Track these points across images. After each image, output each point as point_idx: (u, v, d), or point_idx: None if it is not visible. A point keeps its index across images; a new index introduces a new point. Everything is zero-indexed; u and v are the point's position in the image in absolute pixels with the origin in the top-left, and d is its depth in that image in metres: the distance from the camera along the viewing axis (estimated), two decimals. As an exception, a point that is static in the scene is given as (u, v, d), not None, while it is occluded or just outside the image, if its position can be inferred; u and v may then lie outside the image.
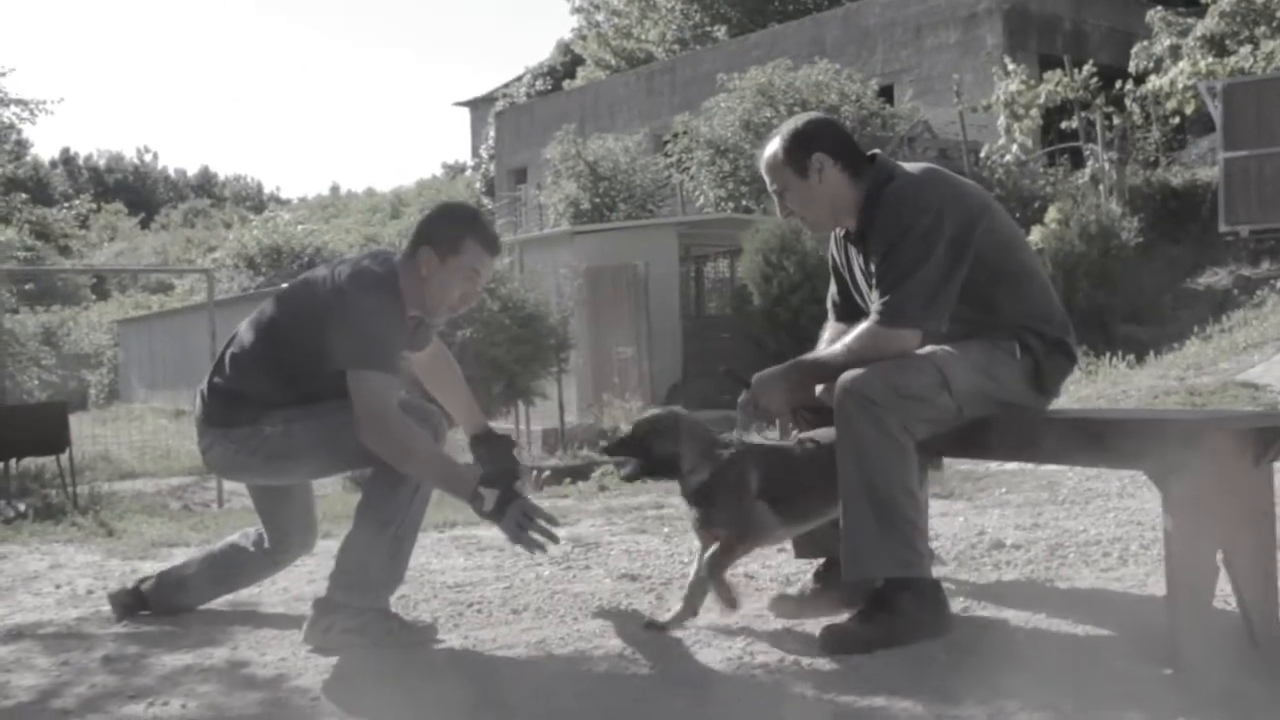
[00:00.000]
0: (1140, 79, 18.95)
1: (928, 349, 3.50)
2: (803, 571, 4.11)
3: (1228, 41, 18.59)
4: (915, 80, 25.47)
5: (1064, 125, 18.80)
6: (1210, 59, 18.04)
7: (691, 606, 3.67)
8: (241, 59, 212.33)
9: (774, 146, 3.68)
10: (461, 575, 4.78)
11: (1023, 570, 4.34)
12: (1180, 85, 17.88)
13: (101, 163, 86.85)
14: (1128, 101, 18.50)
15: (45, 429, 10.98)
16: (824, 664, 3.27)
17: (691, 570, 3.77)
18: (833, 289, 4.00)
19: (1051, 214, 15.13)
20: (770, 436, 3.98)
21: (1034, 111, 18.55)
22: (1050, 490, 6.03)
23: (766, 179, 3.74)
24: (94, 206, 51.39)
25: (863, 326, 3.55)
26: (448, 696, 3.11)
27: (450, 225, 3.78)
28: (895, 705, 2.92)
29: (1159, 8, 20.85)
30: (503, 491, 3.54)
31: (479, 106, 49.81)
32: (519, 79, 48.56)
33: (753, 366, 3.91)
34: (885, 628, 3.36)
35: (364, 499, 3.72)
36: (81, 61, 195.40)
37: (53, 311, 37.50)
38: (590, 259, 18.12)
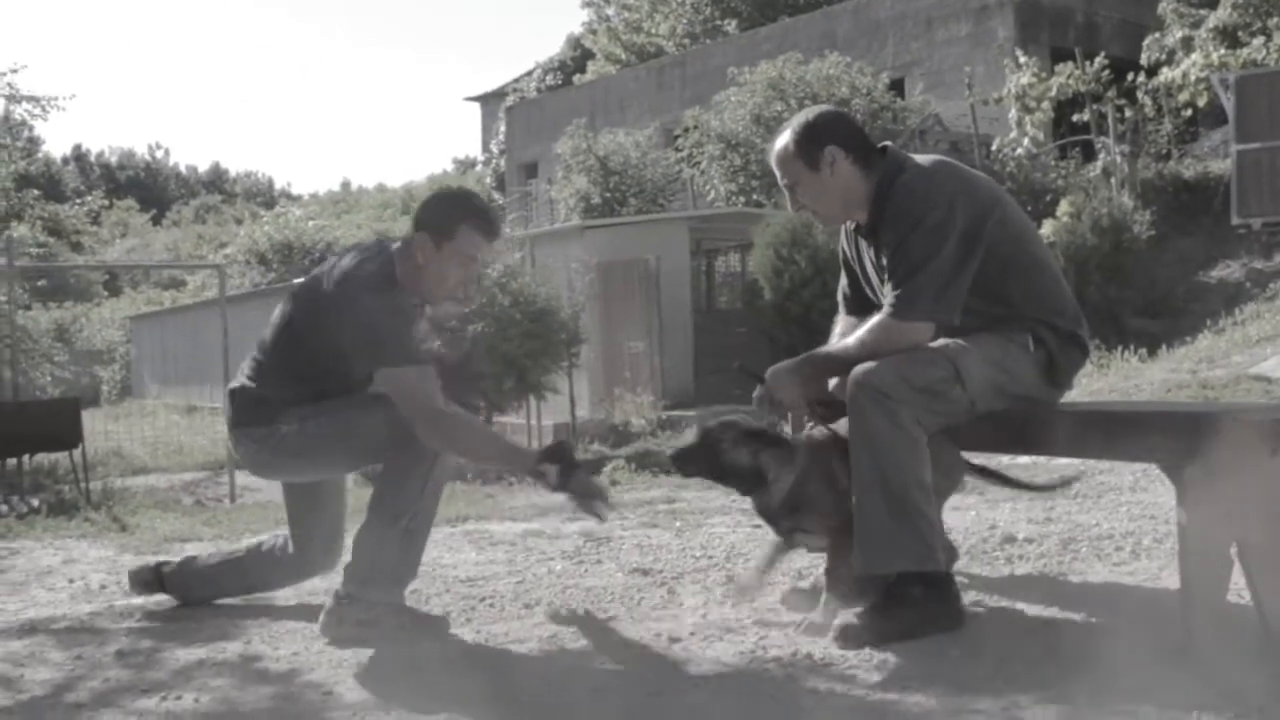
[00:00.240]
0: (1152, 71, 18.87)
1: (940, 342, 3.49)
2: (815, 565, 4.10)
3: (1240, 33, 18.50)
4: (926, 73, 25.41)
5: (1076, 118, 18.72)
6: (1223, 51, 17.96)
7: (822, 625, 3.51)
8: (252, 55, 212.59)
9: (785, 140, 3.67)
10: (474, 569, 4.79)
11: (1035, 564, 4.34)
12: (1192, 77, 17.81)
13: (113, 159, 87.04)
14: (1140, 94, 18.42)
15: (58, 425, 11.01)
16: (837, 657, 3.27)
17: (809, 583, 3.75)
18: (843, 282, 3.99)
19: (1063, 207, 15.08)
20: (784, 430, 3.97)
21: (1045, 104, 18.49)
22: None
23: (777, 173, 3.73)
24: (106, 203, 51.49)
25: (875, 319, 3.54)
26: (460, 690, 3.11)
27: (445, 211, 3.78)
28: (908, 699, 2.92)
29: (1171, -1, 20.78)
30: (563, 466, 3.63)
31: (489, 101, 49.81)
32: (529, 74, 48.55)
33: (764, 361, 3.90)
34: (898, 621, 3.36)
35: (375, 493, 3.73)
36: (93, 58, 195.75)
37: (65, 308, 37.58)
38: (601, 253, 18.11)
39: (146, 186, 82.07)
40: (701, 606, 3.92)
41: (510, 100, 43.69)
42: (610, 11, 44.69)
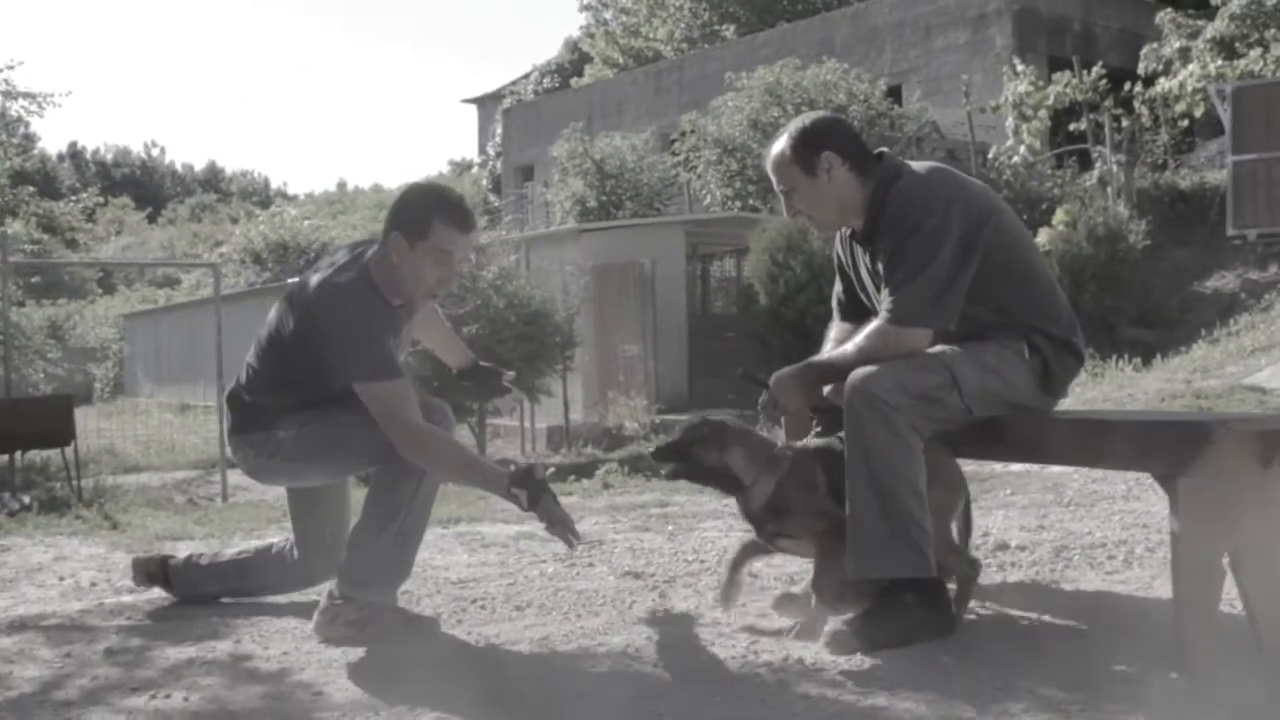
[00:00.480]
0: (1149, 81, 18.91)
1: (937, 349, 3.49)
2: (807, 570, 4.10)
3: (1237, 44, 18.55)
4: (923, 80, 25.45)
5: (1072, 127, 18.76)
6: (1220, 61, 18.00)
7: (814, 629, 3.54)
8: (249, 54, 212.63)
9: (781, 145, 3.67)
10: (465, 571, 4.78)
11: (1027, 572, 4.34)
12: (1189, 88, 17.84)
13: (109, 156, 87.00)
14: (1136, 104, 18.46)
15: (50, 422, 10.99)
16: (828, 663, 3.27)
17: (799, 589, 3.74)
18: (838, 287, 4.00)
19: (1059, 216, 15.09)
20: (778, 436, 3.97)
21: (1042, 113, 18.51)
22: (1056, 492, 6.02)
23: (773, 178, 3.73)
24: (101, 200, 51.43)
25: (873, 325, 3.54)
26: (451, 692, 3.10)
27: (417, 208, 3.74)
28: (898, 705, 2.91)
29: (1169, 10, 20.80)
30: (530, 491, 3.58)
31: (486, 104, 49.83)
32: (526, 76, 48.57)
33: (758, 366, 3.91)
34: (889, 628, 3.36)
35: (369, 494, 3.73)
36: (89, 55, 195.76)
37: (59, 305, 37.49)
38: (596, 257, 18.11)
39: (142, 184, 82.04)
40: (693, 610, 3.91)
41: (507, 103, 43.72)
42: (608, 15, 44.74)
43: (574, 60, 45.75)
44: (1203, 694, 2.87)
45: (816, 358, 3.73)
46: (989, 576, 4.27)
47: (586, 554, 5.06)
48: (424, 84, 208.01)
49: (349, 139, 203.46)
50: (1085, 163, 18.45)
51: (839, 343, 3.77)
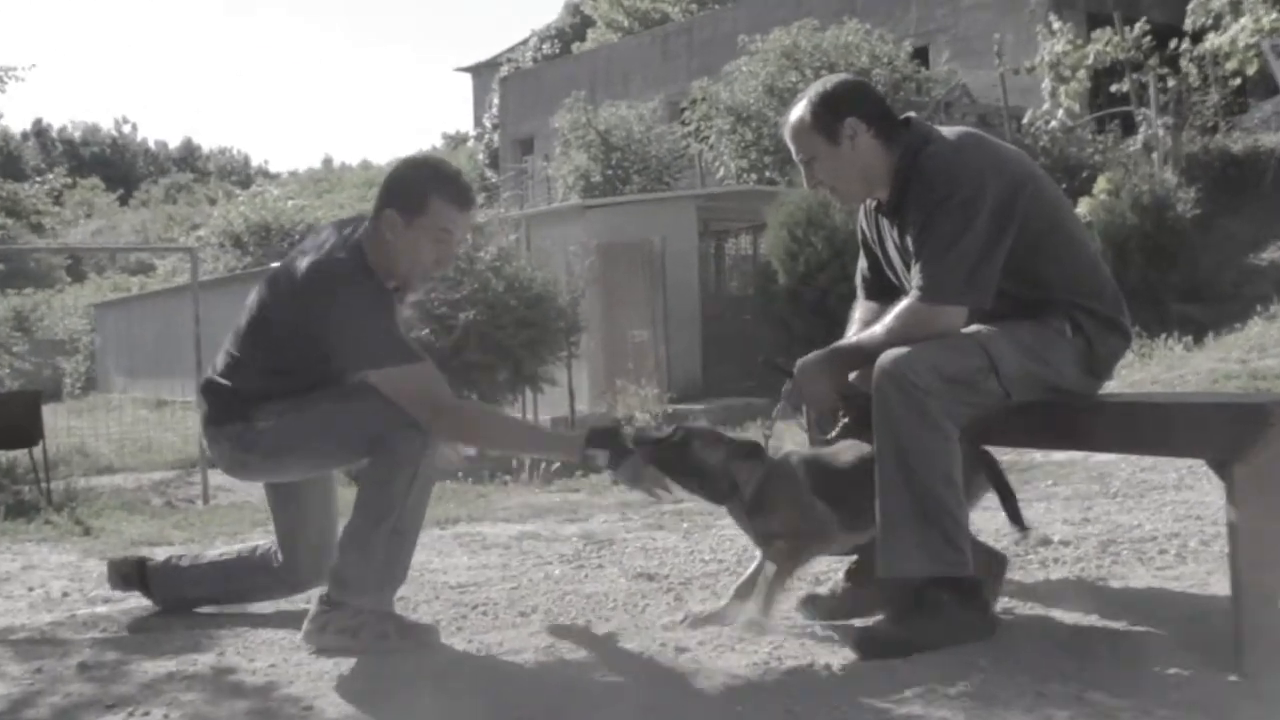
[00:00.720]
0: (1197, 37, 18.80)
1: (972, 328, 3.48)
2: (833, 569, 4.09)
3: (1293, -5, 18.45)
4: (952, 41, 25.35)
5: (1114, 88, 18.66)
6: (1274, 15, 17.89)
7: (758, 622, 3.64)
8: (226, 22, 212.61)
9: (801, 111, 3.66)
10: (465, 575, 4.78)
11: (1072, 568, 4.33)
12: (1241, 44, 17.74)
13: (77, 135, 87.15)
14: (1184, 62, 18.36)
15: (17, 420, 11.00)
16: (856, 669, 3.26)
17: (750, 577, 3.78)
18: (862, 264, 3.99)
19: (1101, 184, 15.04)
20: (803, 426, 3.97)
21: (1081, 74, 18.43)
22: (1101, 482, 6.01)
23: (792, 147, 3.72)
24: (69, 181, 51.40)
25: (902, 304, 3.53)
26: (450, 705, 3.10)
27: (412, 183, 3.76)
28: (933, 714, 2.91)
29: (1218, -41, 20.71)
30: (614, 452, 3.66)
31: (482, 72, 49.80)
32: (524, 42, 48.52)
33: (778, 350, 3.91)
34: (923, 630, 3.35)
35: (359, 492, 3.73)
36: (55, 27, 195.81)
37: (25, 294, 37.60)
38: (602, 235, 18.10)
39: (112, 164, 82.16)
40: (712, 613, 3.90)
41: (504, 71, 43.66)
42: (611, -26, 44.63)
43: (575, 24, 45.68)
44: (1264, 698, 2.86)
45: (842, 341, 3.72)
46: (1030, 574, 4.26)
47: (595, 555, 5.06)
48: (415, 52, 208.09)
49: (335, 112, 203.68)
50: (1129, 127, 18.37)
51: (865, 324, 3.77)
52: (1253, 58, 17.62)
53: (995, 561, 3.67)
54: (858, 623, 3.55)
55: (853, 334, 3.79)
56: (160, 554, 5.31)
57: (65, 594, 4.75)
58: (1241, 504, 3.04)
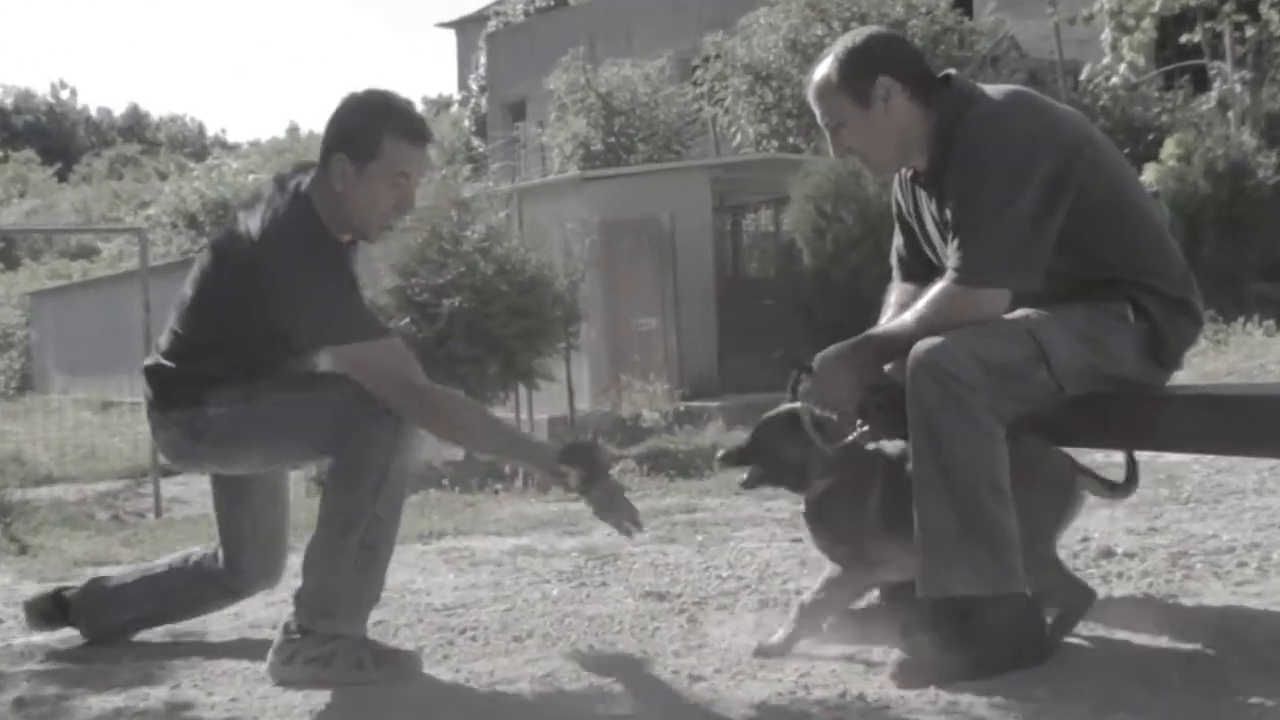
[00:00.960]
0: (1280, -20, 18.78)
1: (1019, 312, 3.48)
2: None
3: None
4: (1000, -14, 25.33)
5: (1184, 39, 18.64)
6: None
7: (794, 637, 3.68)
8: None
9: (826, 70, 3.66)
10: (452, 596, 4.79)
11: (1138, 584, 4.33)
12: (1332, -15, 17.71)
13: (8, 101, 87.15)
14: (1264, 8, 18.32)
15: (-55, 425, 11.03)
16: (894, 699, 3.26)
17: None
18: (898, 241, 3.99)
19: (1169, 148, 15.03)
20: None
21: (1147, 22, 18.38)
22: (1171, 486, 6.00)
23: (817, 110, 3.72)
24: (0, 155, 51.58)
25: (938, 287, 3.53)
26: (435, 743, 3.11)
27: (361, 123, 3.76)
28: (983, 749, 2.91)
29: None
30: (590, 470, 3.69)
31: (467, 28, 49.75)
32: (515, -8, 48.52)
33: (802, 339, 3.92)
34: (968, 655, 3.35)
35: (324, 500, 3.74)
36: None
37: (-48, 283, 37.70)
38: (604, 211, 18.10)
39: (49, 134, 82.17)
40: (729, 637, 3.91)
41: (492, 26, 43.64)
42: (612, -85, 44.61)
43: (572, -29, 45.69)
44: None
45: (872, 331, 3.72)
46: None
47: (598, 572, 5.07)
48: (391, 6, 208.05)
49: (301, 74, 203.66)
50: (1201, 83, 18.36)
51: (901, 308, 3.77)
52: (1345, 2, 17.58)
53: (1081, 597, 3.63)
54: (895, 647, 3.55)
55: (884, 321, 3.79)
56: (107, 574, 5.33)
57: None
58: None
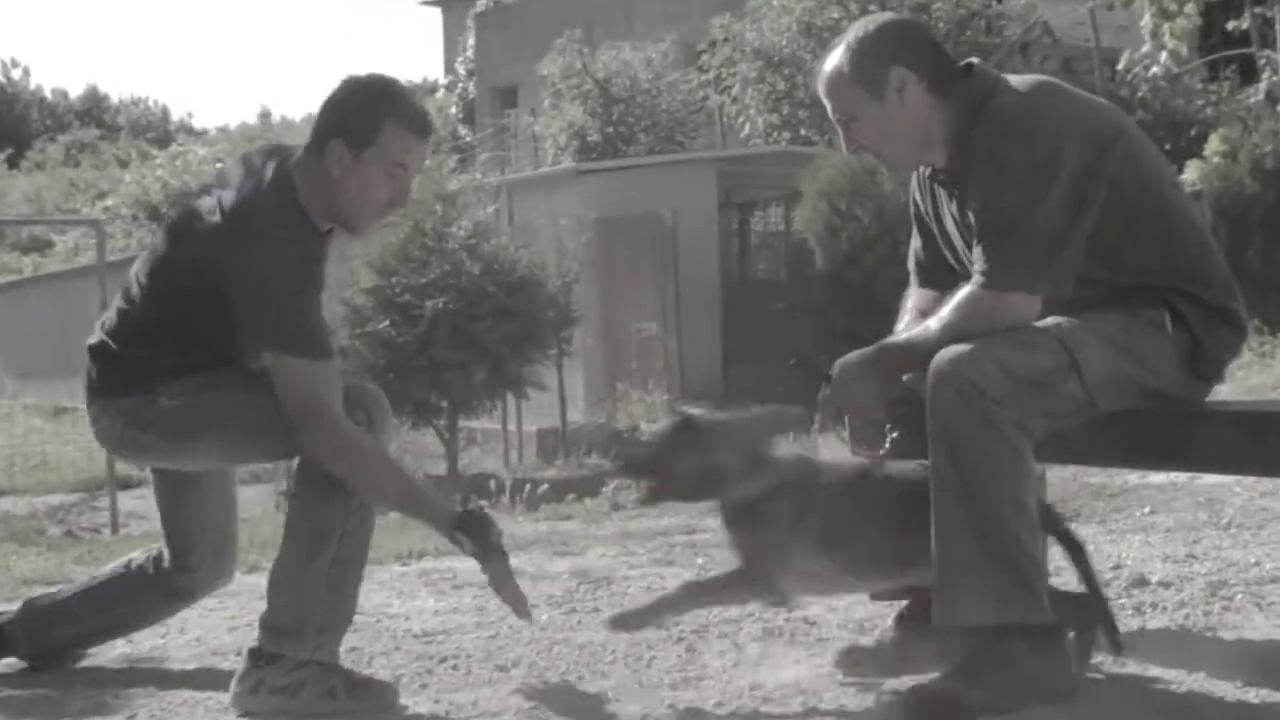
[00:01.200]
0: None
1: (1049, 321, 3.48)
2: (881, 615, 4.10)
3: None
4: (1031, -32, 25.36)
5: (1231, 25, 18.64)
6: None
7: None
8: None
9: (837, 60, 3.67)
10: (432, 621, 4.79)
11: (1174, 615, 4.33)
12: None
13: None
14: (1317, -8, 18.36)
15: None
16: (909, 737, 3.27)
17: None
18: (916, 244, 3.99)
19: (1214, 144, 15.04)
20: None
21: (1190, 7, 18.41)
22: (1211, 510, 6.01)
23: (828, 103, 3.73)
24: (-54, 140, 51.55)
25: (963, 292, 3.54)
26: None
27: (363, 108, 3.78)
28: (1004, 792, 2.92)
29: None
30: (479, 544, 3.80)
31: (454, 7, 49.78)
32: (506, -31, 48.56)
33: (815, 348, 3.92)
34: (990, 689, 3.35)
35: (290, 514, 3.75)
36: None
37: (-109, 279, 37.70)
38: (601, 206, 18.13)
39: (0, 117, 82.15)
40: (730, 669, 3.92)
41: (481, 5, 43.68)
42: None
43: (568, -53, 45.72)
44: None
45: (891, 338, 3.72)
46: (1123, 621, 4.26)
47: (590, 596, 5.07)
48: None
49: (273, 55, 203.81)
50: (1249, 73, 18.36)
51: (919, 314, 3.77)
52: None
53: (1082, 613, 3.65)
54: (909, 680, 3.55)
55: (903, 328, 3.80)
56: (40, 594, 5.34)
57: (-59, 645, 4.76)
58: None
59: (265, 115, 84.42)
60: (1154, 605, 4.46)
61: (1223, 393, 3.92)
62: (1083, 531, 5.56)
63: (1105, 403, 3.48)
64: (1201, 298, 3.56)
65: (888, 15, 3.84)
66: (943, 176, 3.72)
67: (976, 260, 3.51)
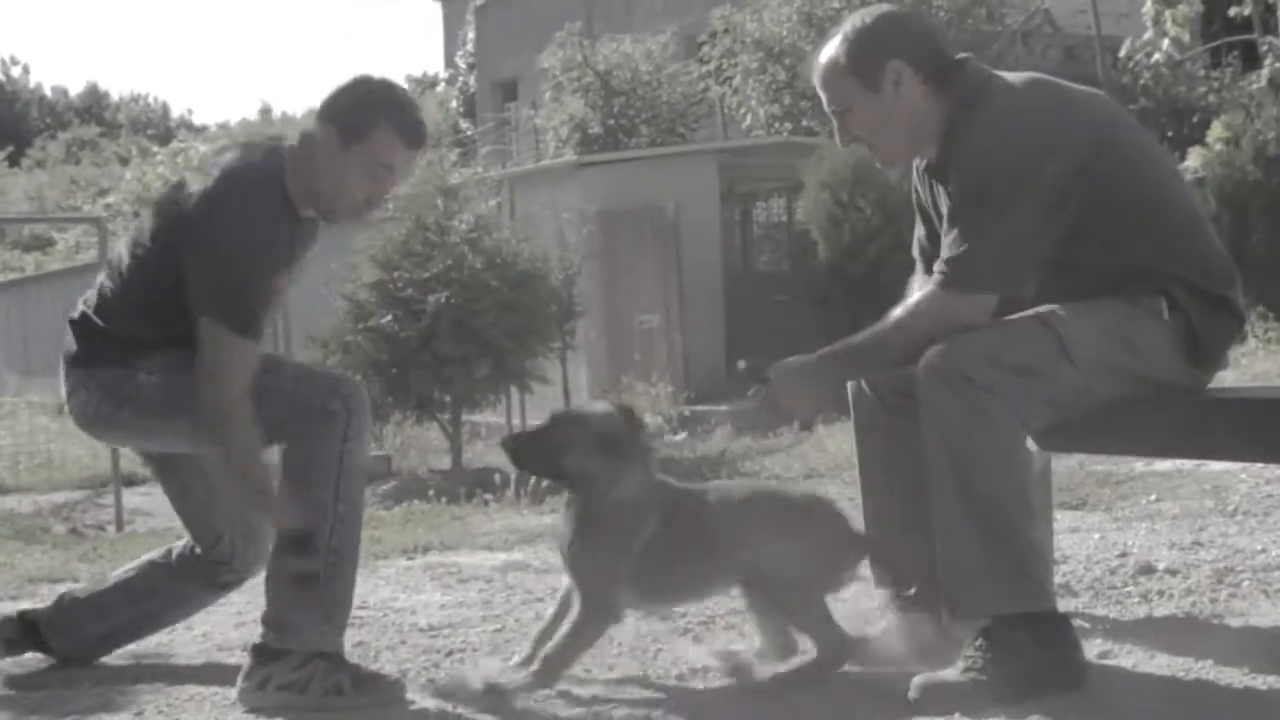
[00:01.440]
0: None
1: (1041, 309, 3.48)
2: (887, 606, 4.10)
3: None
4: (1032, -45, 25.31)
5: (1233, 11, 18.62)
6: None
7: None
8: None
9: (833, 52, 3.67)
10: (438, 615, 4.79)
11: (1181, 602, 4.33)
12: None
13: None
14: (1320, -22, 18.33)
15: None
16: (916, 728, 3.27)
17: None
18: (920, 232, 3.99)
19: (1216, 131, 15.02)
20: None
21: (1192, -7, 18.40)
22: (1216, 498, 6.01)
23: (823, 95, 3.73)
24: (-53, 138, 51.56)
25: (920, 293, 3.56)
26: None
27: (361, 103, 3.83)
28: (1011, 782, 2.92)
29: None
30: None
31: (454, 1, 49.77)
32: (506, -38, 48.51)
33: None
34: (996, 680, 3.35)
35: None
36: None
37: (-106, 277, 37.69)
38: (603, 199, 18.10)
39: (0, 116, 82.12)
40: (739, 660, 3.91)
41: (481, -2, 43.67)
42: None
43: (568, -61, 45.66)
44: None
45: (835, 346, 3.74)
46: (1129, 609, 4.27)
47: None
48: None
49: (274, 51, 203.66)
50: (1251, 59, 18.33)
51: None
52: None
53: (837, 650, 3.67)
54: (913, 671, 3.55)
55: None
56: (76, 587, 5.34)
57: (-53, 644, 4.75)
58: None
59: (266, 111, 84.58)
60: (1161, 593, 4.45)
61: (1229, 379, 3.93)
62: (1089, 519, 5.60)
63: (1100, 388, 3.48)
64: (1197, 284, 3.55)
65: (885, 7, 3.82)
66: (933, 169, 3.72)
67: (940, 260, 3.52)
